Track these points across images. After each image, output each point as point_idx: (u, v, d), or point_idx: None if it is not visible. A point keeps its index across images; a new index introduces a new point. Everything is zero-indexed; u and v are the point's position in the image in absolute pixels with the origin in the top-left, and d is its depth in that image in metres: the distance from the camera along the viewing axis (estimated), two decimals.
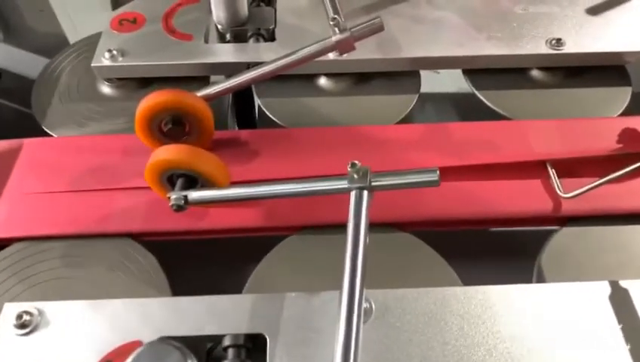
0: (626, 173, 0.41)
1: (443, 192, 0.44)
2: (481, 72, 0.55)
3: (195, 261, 0.44)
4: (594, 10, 0.57)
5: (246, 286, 0.39)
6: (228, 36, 0.55)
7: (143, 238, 0.43)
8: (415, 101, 0.54)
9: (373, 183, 0.34)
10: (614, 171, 0.44)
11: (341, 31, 0.42)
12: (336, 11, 0.44)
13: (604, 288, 0.37)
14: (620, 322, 0.35)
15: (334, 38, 0.42)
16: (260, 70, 0.44)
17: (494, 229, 0.49)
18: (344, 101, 0.54)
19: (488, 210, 0.44)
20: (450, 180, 0.46)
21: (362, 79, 0.55)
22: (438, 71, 0.63)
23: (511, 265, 0.43)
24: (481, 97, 0.54)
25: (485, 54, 0.53)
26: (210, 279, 0.41)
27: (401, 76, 0.55)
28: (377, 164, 0.45)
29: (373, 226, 0.43)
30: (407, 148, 0.48)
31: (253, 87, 0.54)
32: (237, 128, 0.62)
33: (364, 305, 0.35)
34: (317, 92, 0.54)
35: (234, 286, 0.40)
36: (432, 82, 0.66)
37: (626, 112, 0.53)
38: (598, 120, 0.50)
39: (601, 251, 0.42)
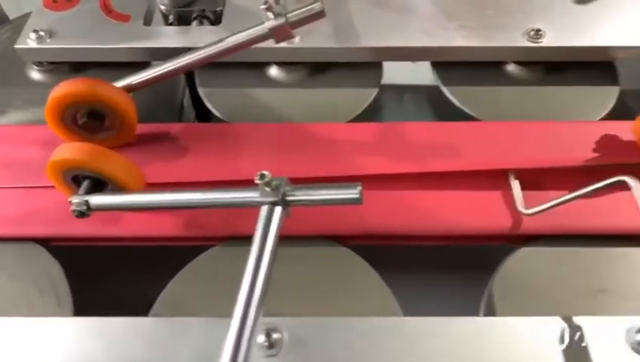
0: (598, 189, 0.36)
1: (389, 203, 0.40)
2: (450, 64, 0.50)
3: (109, 271, 0.40)
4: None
5: (154, 306, 0.35)
6: (171, 18, 0.50)
7: (50, 243, 0.39)
8: (374, 96, 0.48)
9: (287, 198, 0.30)
10: (587, 185, 0.39)
11: (276, 16, 0.37)
12: None
13: (554, 324, 0.32)
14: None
15: (267, 25, 0.37)
16: (186, 58, 0.39)
17: None
18: (297, 93, 0.49)
19: (439, 225, 0.39)
20: (400, 189, 0.41)
21: (318, 70, 0.50)
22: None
23: (465, 283, 0.38)
24: (448, 94, 0.48)
25: (454, 45, 0.47)
26: (120, 293, 0.37)
27: (362, 68, 0.49)
28: (322, 167, 0.41)
29: (309, 239, 0.39)
30: (358, 151, 0.42)
31: (195, 75, 0.49)
32: (196, 121, 0.57)
33: (275, 335, 0.31)
34: (267, 83, 0.49)
35: (144, 304, 0.35)
36: (408, 74, 0.61)
37: (612, 115, 0.48)
38: (574, 124, 0.44)
39: (560, 277, 0.37)
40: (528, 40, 0.48)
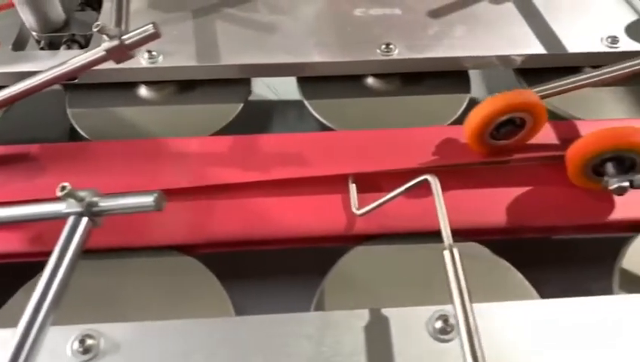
0: (409, 188, 0.38)
1: (236, 211, 0.42)
2: (314, 79, 0.52)
3: None
4: (435, 14, 0.54)
5: None
6: (42, 43, 0.51)
7: None
8: (239, 111, 0.51)
9: (94, 209, 0.31)
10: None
11: (111, 38, 0.39)
12: (119, 14, 0.41)
13: (362, 316, 0.34)
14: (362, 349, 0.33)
15: (103, 47, 0.39)
16: (26, 83, 0.40)
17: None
18: (163, 111, 0.51)
19: (280, 230, 0.41)
20: (247, 197, 0.43)
21: (186, 87, 0.52)
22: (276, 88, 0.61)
23: (295, 285, 0.40)
24: (309, 107, 0.51)
25: (314, 61, 0.51)
26: None
27: (229, 84, 0.52)
28: (174, 180, 0.43)
29: (156, 249, 0.40)
30: (210, 162, 0.44)
31: (66, 96, 0.51)
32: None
33: (90, 341, 0.32)
34: (136, 102, 0.51)
35: None
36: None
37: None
38: (415, 130, 0.46)
39: (386, 272, 0.40)
40: (382, 54, 0.51)
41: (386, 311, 0.34)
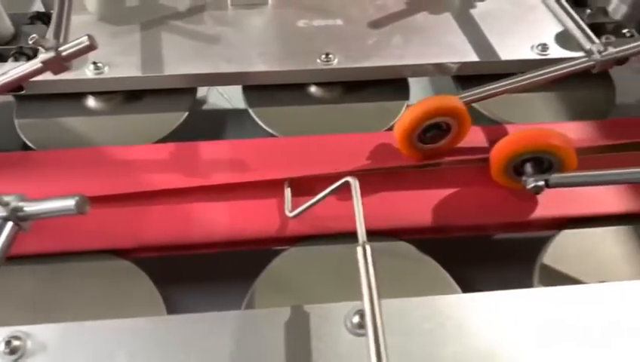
0: (333, 190, 0.40)
1: (174, 216, 0.43)
2: (258, 88, 0.54)
3: None
4: (375, 24, 0.57)
5: None
6: None
7: None
8: (184, 118, 0.52)
9: (19, 213, 0.32)
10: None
11: (47, 50, 0.40)
12: (58, 27, 0.43)
13: (284, 314, 0.35)
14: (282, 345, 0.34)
15: (40, 58, 0.40)
16: None
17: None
18: (109, 120, 0.52)
19: (216, 233, 0.42)
20: (186, 202, 0.44)
21: (133, 97, 0.53)
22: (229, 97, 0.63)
23: (232, 287, 0.41)
24: (253, 115, 0.53)
25: (257, 70, 0.52)
26: None
27: (175, 93, 0.53)
28: (115, 185, 0.44)
29: (93, 253, 0.42)
30: (152, 169, 0.46)
31: (15, 107, 0.52)
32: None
33: (16, 342, 0.33)
34: (83, 112, 0.52)
35: None
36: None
37: None
38: (351, 136, 0.48)
39: (317, 272, 0.41)
40: (322, 63, 0.53)
41: (307, 308, 0.36)
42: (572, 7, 0.57)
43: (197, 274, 0.46)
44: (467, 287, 0.42)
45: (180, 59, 0.53)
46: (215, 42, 0.54)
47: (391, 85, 0.55)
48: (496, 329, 0.35)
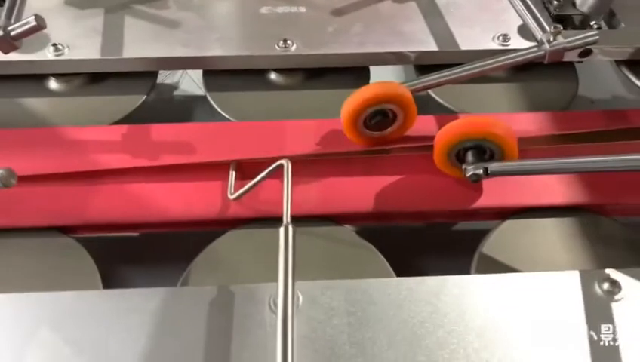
0: (269, 173, 0.40)
1: (119, 195, 0.44)
2: (218, 73, 0.54)
3: None
4: (338, 12, 0.56)
5: None
6: None
7: None
8: (141, 101, 0.53)
9: None
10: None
11: None
12: (11, 8, 0.43)
13: (208, 293, 0.36)
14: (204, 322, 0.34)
15: None
16: None
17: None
18: (67, 102, 0.53)
19: (158, 214, 0.43)
20: (133, 182, 0.45)
21: (95, 79, 0.54)
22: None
23: (176, 267, 0.42)
24: (210, 99, 0.53)
25: (214, 55, 0.53)
26: None
27: (135, 76, 0.54)
28: (61, 165, 0.45)
29: (37, 230, 0.42)
30: (101, 149, 0.46)
31: None
32: None
33: None
34: (46, 93, 0.53)
35: None
36: None
37: None
38: (299, 122, 0.48)
39: (254, 254, 0.42)
40: (279, 49, 0.53)
41: (233, 288, 0.36)
42: None
43: (139, 253, 0.47)
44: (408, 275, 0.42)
45: (139, 43, 0.53)
46: (176, 27, 0.55)
47: (352, 73, 0.55)
48: (421, 314, 0.35)
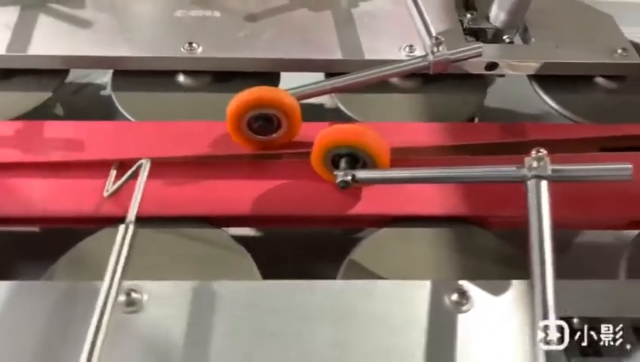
0: (133, 173, 0.41)
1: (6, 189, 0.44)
2: (129, 73, 0.55)
3: None
4: (252, 17, 0.57)
5: None
6: None
7: None
8: (45, 99, 0.53)
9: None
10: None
11: None
12: None
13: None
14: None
15: None
16: None
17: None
18: None
19: (35, 209, 0.43)
20: (10, 177, 0.45)
21: (3, 75, 0.54)
22: None
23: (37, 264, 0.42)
24: (114, 98, 0.53)
25: (119, 55, 0.53)
26: None
27: (44, 74, 0.54)
28: None
29: None
30: None
31: None
32: None
33: None
34: None
35: None
36: None
37: None
38: (196, 123, 0.49)
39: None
40: (185, 52, 0.53)
41: (82, 284, 0.36)
42: (460, 10, 0.57)
43: (13, 249, 0.47)
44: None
45: (49, 41, 0.54)
46: (87, 26, 0.55)
47: (261, 78, 0.55)
48: (270, 318, 0.36)
